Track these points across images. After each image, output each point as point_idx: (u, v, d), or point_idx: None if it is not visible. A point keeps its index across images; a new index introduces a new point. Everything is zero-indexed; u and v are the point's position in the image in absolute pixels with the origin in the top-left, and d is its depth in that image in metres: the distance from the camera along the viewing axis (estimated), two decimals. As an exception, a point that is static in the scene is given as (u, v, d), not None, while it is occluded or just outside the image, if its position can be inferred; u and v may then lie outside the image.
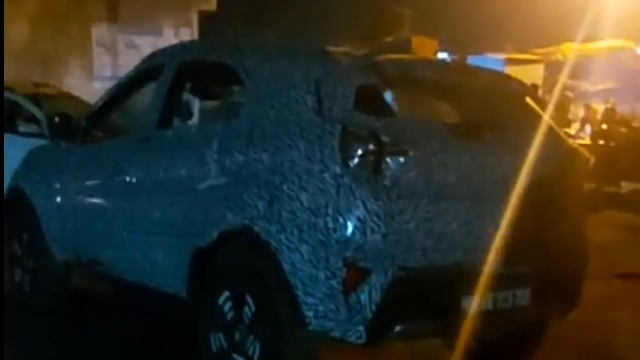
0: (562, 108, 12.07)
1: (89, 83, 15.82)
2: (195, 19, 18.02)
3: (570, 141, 4.06)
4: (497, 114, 3.81)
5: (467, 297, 3.37)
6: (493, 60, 17.11)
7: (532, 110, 3.96)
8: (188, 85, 4.69)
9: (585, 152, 4.03)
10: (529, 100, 3.99)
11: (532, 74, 15.99)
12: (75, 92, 11.49)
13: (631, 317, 5.12)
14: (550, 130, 3.92)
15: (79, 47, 16.20)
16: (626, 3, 17.57)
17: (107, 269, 4.59)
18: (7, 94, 9.41)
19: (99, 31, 16.59)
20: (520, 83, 4.08)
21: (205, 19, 17.89)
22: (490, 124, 3.64)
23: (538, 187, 3.56)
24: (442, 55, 14.55)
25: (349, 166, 3.18)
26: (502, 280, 3.48)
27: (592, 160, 4.02)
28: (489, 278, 3.43)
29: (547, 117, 4.00)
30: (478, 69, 4.04)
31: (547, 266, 3.61)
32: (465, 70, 3.92)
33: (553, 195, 3.65)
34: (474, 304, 3.40)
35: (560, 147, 3.88)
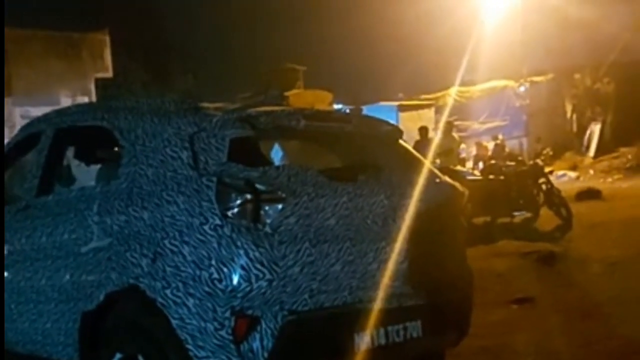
0: (452, 147, 12.56)
1: (-17, 156, 15.33)
2: (92, 87, 17.88)
3: (445, 177, 4.24)
4: (370, 156, 3.97)
5: (359, 334, 3.44)
6: (387, 107, 17.72)
7: (406, 150, 4.14)
8: (66, 150, 4.66)
9: (460, 186, 4.21)
10: (401, 141, 4.17)
11: (423, 118, 16.66)
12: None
13: (528, 340, 5.29)
14: (425, 169, 4.10)
15: (-28, 122, 15.75)
16: (498, 46, 18.63)
17: None
18: None
19: (-7, 105, 16.21)
20: (392, 126, 4.26)
21: (104, 86, 17.79)
22: (363, 166, 3.79)
23: (417, 222, 3.70)
24: (337, 106, 14.95)
25: (227, 216, 3.24)
26: (392, 315, 3.58)
27: (467, 193, 4.21)
28: (378, 313, 3.52)
29: (420, 157, 4.19)
30: (350, 115, 4.20)
31: (434, 297, 3.73)
32: (337, 116, 4.08)
33: (432, 229, 3.79)
34: (367, 340, 3.47)
35: (435, 184, 4.05)
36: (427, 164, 4.14)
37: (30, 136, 4.55)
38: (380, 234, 3.58)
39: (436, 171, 4.21)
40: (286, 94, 14.95)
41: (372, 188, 3.63)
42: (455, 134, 13.66)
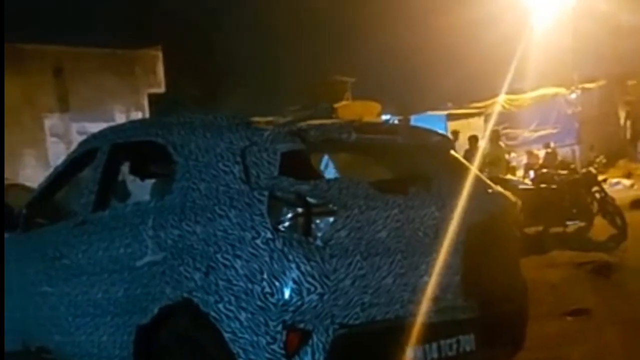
0: (499, 156, 12.39)
1: (44, 172, 15.70)
2: (145, 102, 18.23)
3: (497, 187, 4.19)
4: (420, 167, 3.95)
5: (411, 347, 3.42)
6: (435, 117, 17.59)
7: (457, 161, 4.11)
8: (122, 166, 4.76)
9: (512, 197, 4.16)
10: (452, 152, 4.14)
11: (473, 127, 16.49)
12: (31, 182, 11.45)
13: (584, 353, 5.18)
14: (477, 179, 4.06)
15: (32, 138, 16.23)
16: (548, 53, 18.34)
17: (55, 355, 4.53)
18: (-46, 189, 9.36)
19: (51, 121, 16.68)
20: (442, 136, 4.25)
21: (156, 101, 18.12)
22: (415, 178, 3.77)
23: (470, 233, 3.67)
24: (385, 117, 14.93)
25: (279, 230, 3.26)
26: (444, 328, 3.56)
27: (520, 203, 4.15)
28: (431, 327, 3.50)
29: (472, 167, 4.15)
30: (400, 126, 4.20)
31: (488, 310, 3.68)
32: (387, 128, 4.07)
33: (485, 241, 3.74)
34: (419, 354, 3.45)
35: (487, 194, 4.01)
36: (479, 174, 4.10)
37: (86, 152, 4.65)
38: (432, 246, 3.56)
39: (488, 181, 4.16)
40: (335, 105, 14.96)
41: (423, 200, 3.62)
42: (502, 143, 13.49)
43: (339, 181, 3.47)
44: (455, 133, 12.90)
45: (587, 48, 19.11)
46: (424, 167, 3.95)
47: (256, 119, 3.88)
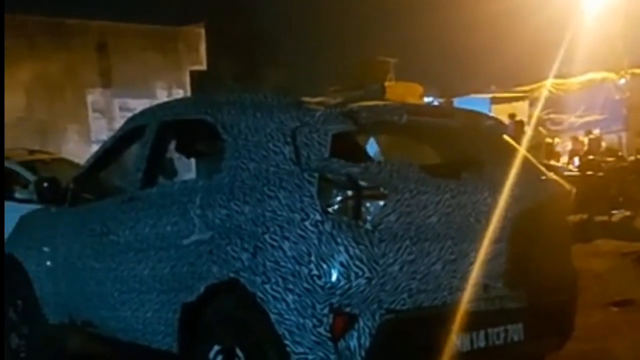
0: (539, 141, 12.18)
1: (86, 147, 15.99)
2: (187, 79, 18.31)
3: (551, 174, 4.10)
4: (473, 151, 3.87)
5: (458, 335, 3.37)
6: (479, 100, 17.30)
7: (510, 146, 4.02)
8: (170, 144, 4.76)
9: (566, 184, 4.06)
10: (505, 136, 4.05)
11: (517, 111, 16.18)
12: (74, 157, 11.64)
13: (629, 344, 5.09)
14: (529, 165, 3.97)
15: (74, 113, 16.46)
16: (597, 37, 17.90)
17: (100, 330, 4.59)
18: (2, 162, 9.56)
19: (94, 96, 16.87)
20: (495, 120, 4.15)
21: (197, 78, 18.18)
22: (467, 162, 3.70)
23: (522, 220, 3.60)
24: (427, 99, 14.75)
25: (328, 213, 3.22)
26: (492, 316, 3.50)
27: (574, 191, 4.05)
28: (479, 315, 3.45)
29: (525, 152, 4.06)
30: (452, 109, 4.12)
31: (537, 299, 3.62)
32: (439, 110, 3.99)
33: (537, 229, 3.67)
34: (466, 342, 3.40)
35: (540, 180, 3.92)
36: (533, 160, 4.00)
37: (134, 129, 4.67)
38: (483, 233, 3.49)
39: (542, 168, 4.07)
40: (385, 84, 14.83)
41: (475, 185, 3.55)
42: (541, 128, 13.21)
43: (390, 164, 3.41)
44: (512, 116, 12.59)
45: (638, 32, 18.59)
46: (476, 152, 3.87)
47: (306, 99, 3.83)
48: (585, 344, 4.80)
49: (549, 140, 15.10)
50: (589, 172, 10.13)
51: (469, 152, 3.87)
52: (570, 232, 4.10)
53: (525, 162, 3.93)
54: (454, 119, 3.92)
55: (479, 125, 4.02)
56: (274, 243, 3.33)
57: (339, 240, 3.18)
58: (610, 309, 6.15)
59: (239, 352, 3.44)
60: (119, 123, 16.45)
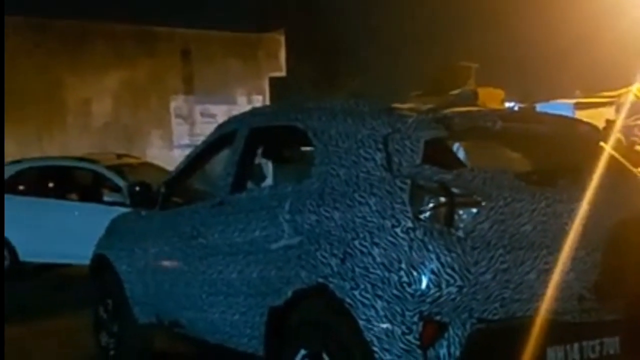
0: (633, 149, 11.63)
1: (168, 152, 16.45)
2: (266, 86, 18.55)
3: None
4: (568, 158, 3.76)
5: (551, 347, 3.28)
6: (562, 105, 16.78)
7: (606, 152, 3.88)
8: (260, 149, 4.82)
9: None
10: (601, 143, 3.92)
11: (603, 117, 15.64)
12: (157, 161, 11.98)
13: None
14: (627, 172, 3.83)
15: (158, 119, 16.94)
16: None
17: (187, 330, 4.69)
18: (92, 166, 9.93)
19: (177, 102, 17.31)
20: (591, 126, 4.02)
21: (276, 85, 18.39)
22: (563, 170, 3.59)
23: (618, 230, 3.47)
24: (509, 104, 14.41)
25: (420, 219, 3.19)
26: (587, 329, 3.39)
27: None
28: (573, 327, 3.35)
29: (622, 159, 3.91)
30: (546, 115, 4.01)
31: (634, 312, 3.48)
32: (533, 116, 3.90)
33: (635, 238, 3.53)
34: (559, 355, 3.31)
35: (638, 188, 3.78)
36: (630, 167, 3.86)
37: (224, 136, 4.74)
38: (580, 243, 3.37)
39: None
40: (478, 90, 14.57)
41: (572, 193, 3.44)
42: (620, 136, 12.59)
43: (483, 171, 3.34)
44: (610, 122, 12.08)
45: None
46: (571, 159, 3.75)
47: (397, 105, 3.80)
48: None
49: (638, 147, 14.49)
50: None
51: (564, 159, 3.76)
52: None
53: (623, 169, 3.79)
54: (547, 125, 3.83)
55: (573, 131, 3.92)
56: (364, 249, 3.31)
57: (430, 247, 3.14)
58: None
59: (325, 356, 3.43)
60: (200, 128, 16.91)
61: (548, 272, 3.31)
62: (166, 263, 4.88)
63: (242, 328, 4.08)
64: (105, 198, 9.46)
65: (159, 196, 5.10)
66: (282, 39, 18.69)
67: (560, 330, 3.29)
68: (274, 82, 18.55)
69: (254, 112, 4.84)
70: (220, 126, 4.97)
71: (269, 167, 5.30)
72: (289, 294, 3.65)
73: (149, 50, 16.85)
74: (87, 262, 5.81)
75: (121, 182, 9.27)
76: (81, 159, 10.39)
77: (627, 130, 12.78)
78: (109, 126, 16.17)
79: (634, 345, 3.50)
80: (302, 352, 3.56)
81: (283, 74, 18.74)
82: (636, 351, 3.54)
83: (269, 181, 4.80)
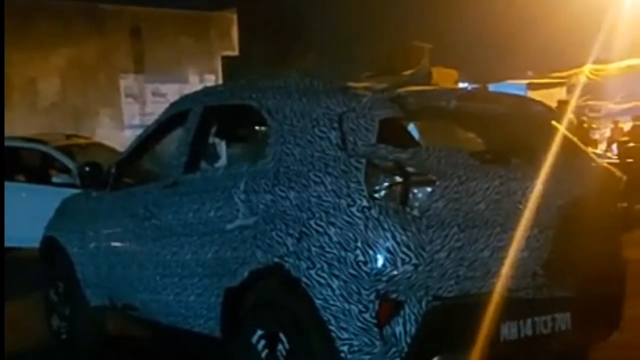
0: (583, 128, 11.92)
1: (119, 132, 16.18)
2: (219, 65, 18.34)
3: (600, 160, 4.02)
4: (522, 137, 3.81)
5: (505, 323, 3.33)
6: (514, 86, 17.08)
7: (558, 132, 3.94)
8: (214, 129, 4.76)
9: (617, 171, 3.98)
10: (553, 122, 3.97)
11: (555, 97, 15.95)
12: (107, 141, 11.76)
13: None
14: (579, 151, 3.90)
15: (107, 98, 16.63)
16: (638, 22, 17.52)
17: (141, 313, 4.63)
18: (40, 146, 9.68)
19: (127, 81, 17.00)
20: (543, 105, 4.07)
21: (229, 64, 18.18)
22: (516, 149, 3.63)
23: (571, 208, 3.53)
24: (462, 85, 14.58)
25: (375, 198, 3.19)
26: (540, 305, 3.45)
27: (624, 178, 3.97)
28: (526, 303, 3.40)
29: (574, 138, 3.98)
30: (500, 95, 4.04)
31: (586, 288, 3.56)
32: (487, 96, 3.91)
33: (587, 216, 3.60)
34: (512, 331, 3.36)
35: (590, 168, 3.85)
36: (583, 147, 3.93)
37: (177, 115, 4.67)
38: (533, 221, 3.42)
39: (592, 155, 3.99)
40: (431, 70, 14.66)
41: (525, 172, 3.48)
42: (572, 116, 12.89)
43: (438, 150, 3.36)
44: (562, 103, 12.29)
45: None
46: (525, 138, 3.80)
47: (353, 84, 3.79)
48: (627, 334, 4.68)
49: (585, 126, 14.86)
50: (629, 160, 9.93)
51: (517, 139, 3.80)
52: (620, 221, 4.02)
53: (575, 148, 3.85)
54: (502, 105, 3.86)
55: (527, 111, 3.95)
56: (320, 229, 3.30)
57: (385, 226, 3.15)
58: (653, 300, 6.03)
59: (282, 337, 3.42)
60: (151, 108, 16.67)
61: (501, 249, 3.36)
62: (118, 245, 4.80)
63: (198, 309, 4.04)
64: (55, 179, 9.28)
65: (109, 177, 5.01)
66: (234, 17, 18.48)
67: (514, 307, 3.34)
68: (226, 61, 18.34)
69: (207, 91, 4.77)
70: (173, 105, 4.89)
71: (222, 147, 5.25)
72: (245, 274, 3.63)
73: (98, 28, 16.49)
74: (36, 245, 5.70)
75: (70, 163, 9.08)
76: (29, 140, 10.13)
77: (578, 110, 13.06)
78: (57, 106, 15.81)
79: (584, 321, 3.58)
80: (259, 332, 3.55)
81: (236, 52, 18.55)
82: (586, 327, 3.62)
83: (223, 161, 4.75)
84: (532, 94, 15.04)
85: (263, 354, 3.51)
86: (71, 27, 16.12)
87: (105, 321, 5.23)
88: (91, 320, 5.15)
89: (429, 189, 3.22)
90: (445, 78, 13.39)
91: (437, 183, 3.23)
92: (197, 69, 18.03)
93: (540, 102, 4.11)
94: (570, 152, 3.72)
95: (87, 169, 5.09)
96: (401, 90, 3.59)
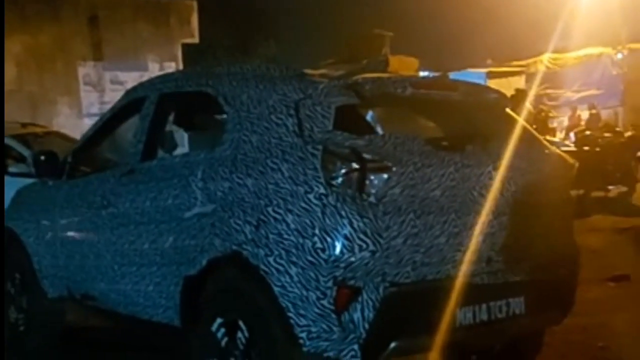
0: (541, 117, 12.09)
1: (77, 120, 15.90)
2: (179, 52, 18.13)
3: (554, 148, 4.09)
4: (477, 125, 3.85)
5: (461, 308, 3.37)
6: (475, 74, 17.25)
7: (513, 119, 3.99)
8: (170, 116, 4.72)
9: (569, 158, 4.05)
10: (508, 110, 4.02)
11: (514, 86, 16.14)
12: (65, 130, 11.57)
13: (627, 319, 5.13)
14: (533, 138, 3.95)
15: (65, 86, 16.31)
16: (595, 11, 17.81)
17: (99, 303, 4.58)
18: (-6, 135, 9.47)
19: (85, 69, 16.70)
20: (499, 93, 4.12)
21: (189, 51, 18.01)
22: (471, 135, 3.67)
23: (524, 194, 3.59)
24: (423, 74, 14.68)
25: (332, 185, 3.19)
26: (495, 290, 3.50)
27: (576, 165, 4.05)
28: (481, 288, 3.45)
29: (528, 126, 4.04)
30: (456, 82, 4.07)
31: (539, 273, 3.62)
32: (443, 83, 3.94)
33: (540, 202, 3.66)
34: (468, 315, 3.40)
35: (543, 154, 3.91)
36: (536, 134, 3.99)
37: (133, 101, 4.61)
38: (487, 207, 3.47)
39: (545, 142, 4.05)
40: (389, 57, 14.67)
41: (479, 158, 3.52)
42: (528, 104, 13.09)
43: (394, 137, 3.37)
44: (519, 91, 12.39)
45: (636, 6, 18.46)
46: (480, 125, 3.84)
47: (309, 71, 3.79)
48: (583, 318, 4.83)
49: (544, 115, 15.09)
50: (586, 148, 10.11)
51: (472, 126, 3.84)
52: (573, 207, 4.10)
53: (529, 135, 3.91)
54: (457, 92, 3.88)
55: (482, 98, 3.99)
56: (278, 216, 3.30)
57: (343, 213, 3.16)
58: (607, 284, 6.20)
59: (242, 324, 3.42)
60: (110, 96, 16.42)
61: (457, 235, 3.40)
62: (76, 234, 4.74)
63: (157, 299, 4.02)
64: (10, 169, 9.08)
65: (65, 166, 4.93)
66: (194, 4, 18.25)
67: (469, 292, 3.37)
68: (187, 48, 18.15)
69: (163, 77, 4.71)
70: (128, 92, 4.83)
71: (182, 135, 5.20)
72: (204, 262, 3.61)
73: (55, 15, 16.15)
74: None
75: (26, 152, 8.91)
76: (-17, 129, 9.91)
77: (537, 99, 13.23)
78: (12, 94, 15.45)
79: (538, 305, 3.64)
80: (219, 320, 3.54)
81: (196, 40, 18.35)
82: (540, 311, 3.68)
83: (183, 149, 4.71)
84: (491, 83, 15.20)
85: (223, 342, 3.51)
86: (27, 14, 15.77)
87: (64, 312, 5.17)
88: (49, 311, 5.08)
89: (385, 176, 3.23)
90: (406, 66, 13.44)
91: (394, 170, 3.25)
92: (157, 56, 17.77)
93: (495, 90, 4.16)
94: (524, 139, 3.77)
95: (42, 157, 5.00)
96: (357, 77, 3.60)
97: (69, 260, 4.78)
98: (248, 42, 22.64)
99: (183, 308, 3.81)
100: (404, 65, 13.22)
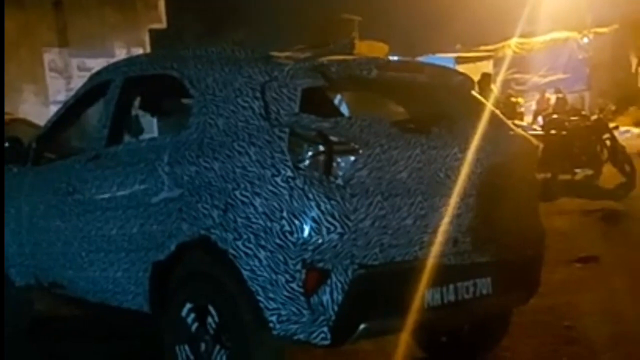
0: (509, 101, 12.17)
1: (44, 108, 15.66)
2: (146, 38, 17.92)
3: (518, 130, 4.12)
4: (443, 107, 3.87)
5: (429, 290, 3.40)
6: (443, 59, 17.35)
7: (478, 101, 4.02)
8: (135, 100, 4.66)
9: (534, 140, 4.10)
10: (474, 92, 4.05)
11: (482, 70, 16.27)
12: (31, 118, 11.38)
13: (593, 299, 5.21)
14: (498, 120, 3.99)
15: (31, 73, 16.04)
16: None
17: (68, 291, 4.53)
18: (-43, 123, 9.29)
19: (51, 56, 16.45)
20: (464, 75, 4.14)
21: (157, 37, 17.82)
22: (437, 118, 3.69)
23: (490, 176, 3.62)
24: (392, 58, 14.75)
25: (299, 168, 3.19)
26: (462, 271, 3.54)
27: (541, 147, 4.09)
28: (449, 269, 3.48)
29: (493, 108, 4.07)
30: (421, 64, 4.09)
31: (505, 254, 3.66)
32: (409, 66, 3.95)
33: (505, 184, 3.69)
34: (436, 297, 3.43)
35: (509, 136, 3.94)
36: (501, 116, 4.02)
37: (98, 86, 4.55)
38: (453, 188, 3.50)
39: (510, 124, 4.09)
40: (356, 41, 14.69)
41: (445, 140, 3.54)
42: (493, 87, 13.19)
43: (360, 119, 3.37)
44: (485, 75, 12.46)
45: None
46: (445, 107, 3.86)
47: (275, 53, 3.76)
48: (550, 299, 4.91)
49: (512, 99, 15.22)
50: (553, 131, 10.21)
51: (438, 108, 3.86)
52: (538, 189, 4.15)
53: (494, 117, 3.94)
54: (423, 74, 3.89)
55: (448, 81, 4.01)
56: (245, 199, 3.29)
57: (310, 195, 3.16)
58: (574, 266, 6.28)
59: (211, 309, 3.42)
60: (76, 83, 16.16)
61: (424, 217, 3.42)
62: (42, 222, 4.67)
63: (126, 285, 3.98)
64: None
65: (30, 152, 4.86)
66: (161, -12, 18.05)
67: (437, 273, 3.40)
68: (154, 34, 17.95)
69: (129, 61, 4.65)
70: (93, 76, 4.75)
71: (148, 119, 5.16)
72: (172, 247, 3.59)
73: (18, 1, 15.85)
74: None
75: (-9, 140, 8.76)
76: (-54, 116, 9.73)
77: (505, 83, 13.32)
78: (-23, 81, 15.19)
79: (505, 286, 3.69)
80: (188, 305, 3.53)
81: (163, 26, 18.15)
82: (506, 291, 3.73)
83: (153, 133, 4.67)
84: (460, 68, 15.32)
85: (193, 327, 3.50)
86: (-11, 0, 15.45)
87: (32, 301, 5.11)
88: (17, 300, 5.02)
89: (352, 158, 3.24)
90: (376, 52, 13.47)
91: (360, 152, 3.25)
92: (123, 42, 17.55)
93: (460, 72, 4.19)
94: (489, 121, 3.80)
95: (6, 144, 4.92)
96: (323, 59, 3.59)
97: (35, 248, 4.72)
98: (217, 28, 22.45)
99: (152, 294, 3.79)
100: (373, 50, 13.24)
